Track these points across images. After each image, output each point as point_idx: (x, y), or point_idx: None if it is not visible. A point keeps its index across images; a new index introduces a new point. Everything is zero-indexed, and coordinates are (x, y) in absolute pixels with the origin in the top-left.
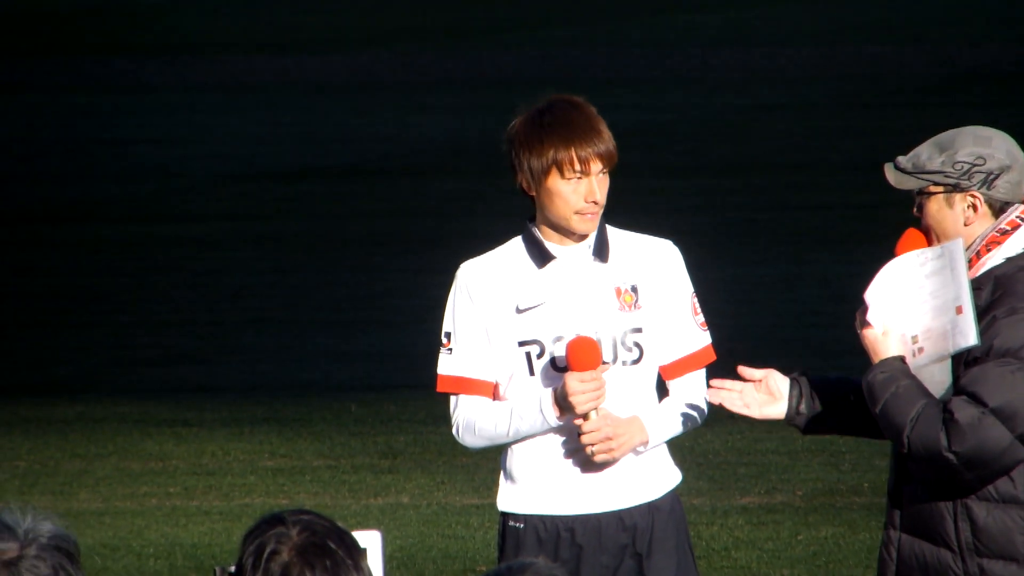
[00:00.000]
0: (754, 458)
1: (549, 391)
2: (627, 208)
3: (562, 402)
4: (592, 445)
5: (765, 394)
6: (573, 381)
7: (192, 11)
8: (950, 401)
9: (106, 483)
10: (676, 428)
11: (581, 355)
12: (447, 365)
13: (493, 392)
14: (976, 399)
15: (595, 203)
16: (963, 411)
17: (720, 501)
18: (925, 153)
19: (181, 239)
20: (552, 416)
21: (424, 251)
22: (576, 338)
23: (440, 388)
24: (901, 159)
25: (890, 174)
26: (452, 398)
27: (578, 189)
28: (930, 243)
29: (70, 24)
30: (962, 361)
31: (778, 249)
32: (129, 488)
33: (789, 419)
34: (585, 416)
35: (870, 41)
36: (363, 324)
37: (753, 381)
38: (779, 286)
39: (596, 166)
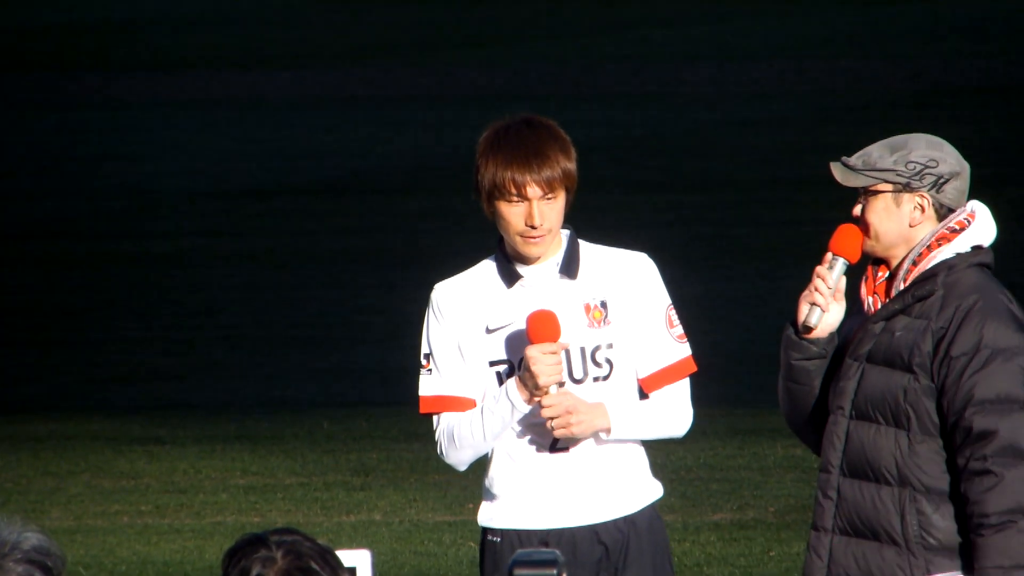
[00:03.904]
0: (726, 474)
1: (514, 377)
2: (598, 223)
3: (525, 378)
4: (552, 419)
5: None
6: (533, 350)
7: (163, 27)
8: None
9: (78, 501)
10: (645, 427)
11: (540, 327)
12: (428, 386)
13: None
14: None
15: (534, 227)
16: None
17: (692, 517)
18: (876, 152)
19: (153, 256)
20: (518, 398)
21: (396, 268)
22: (536, 311)
23: (423, 409)
24: (848, 158)
25: (836, 171)
26: (435, 417)
27: (519, 213)
28: (866, 241)
29: (41, 40)
30: (944, 355)
31: (750, 265)
32: (101, 506)
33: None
34: (547, 393)
35: (842, 56)
36: (335, 341)
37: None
38: (751, 302)
39: (535, 191)
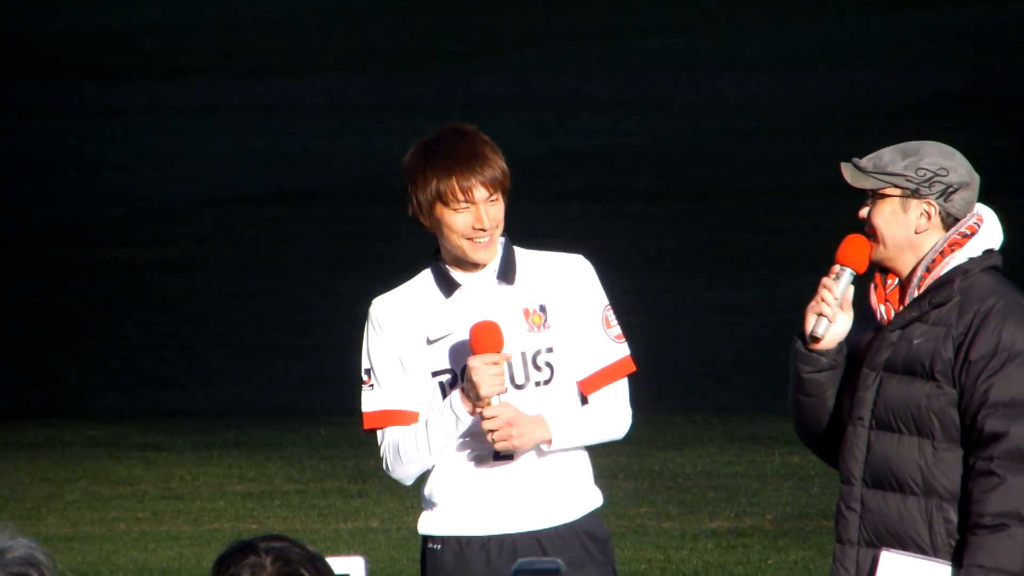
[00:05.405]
0: (724, 482)
1: (458, 390)
2: (597, 231)
3: (467, 389)
4: (493, 432)
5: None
6: (475, 361)
7: (162, 35)
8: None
9: (75, 508)
10: (585, 435)
11: (483, 337)
12: (370, 401)
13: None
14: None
15: (483, 230)
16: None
17: (690, 525)
18: (888, 156)
19: (151, 263)
20: (462, 409)
21: (395, 275)
22: (479, 322)
23: (367, 426)
24: (860, 160)
25: (847, 172)
26: (379, 433)
27: (466, 218)
28: (874, 247)
29: (39, 48)
30: (962, 359)
31: (749, 273)
32: (98, 513)
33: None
34: (488, 404)
35: (841, 65)
36: (333, 348)
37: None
38: (750, 310)
39: (481, 193)
